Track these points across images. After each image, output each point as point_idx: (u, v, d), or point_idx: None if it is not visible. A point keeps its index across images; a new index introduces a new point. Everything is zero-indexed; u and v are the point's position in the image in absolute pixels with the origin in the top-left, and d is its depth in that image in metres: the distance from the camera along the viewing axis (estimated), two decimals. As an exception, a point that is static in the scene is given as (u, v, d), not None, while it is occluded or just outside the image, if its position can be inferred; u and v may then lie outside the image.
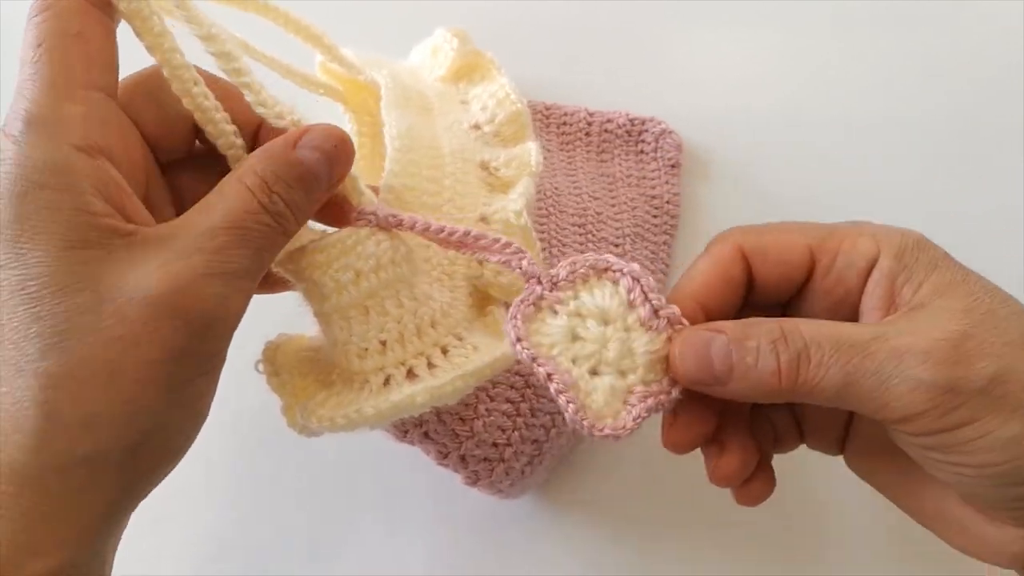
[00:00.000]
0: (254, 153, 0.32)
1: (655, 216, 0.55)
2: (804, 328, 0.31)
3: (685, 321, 0.33)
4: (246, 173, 0.30)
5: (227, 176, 0.31)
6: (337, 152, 0.32)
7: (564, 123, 0.57)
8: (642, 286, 0.33)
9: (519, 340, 0.32)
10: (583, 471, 0.51)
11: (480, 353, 0.34)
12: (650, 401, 0.32)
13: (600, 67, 0.60)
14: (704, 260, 0.34)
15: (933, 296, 0.31)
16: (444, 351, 0.34)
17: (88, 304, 0.27)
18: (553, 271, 0.33)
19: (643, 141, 0.57)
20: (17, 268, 0.27)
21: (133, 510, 0.30)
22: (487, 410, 0.42)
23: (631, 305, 0.33)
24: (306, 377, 0.35)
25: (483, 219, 0.39)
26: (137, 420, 0.27)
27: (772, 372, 0.30)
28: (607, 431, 0.31)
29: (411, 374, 0.33)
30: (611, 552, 0.50)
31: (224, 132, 0.32)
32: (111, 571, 0.30)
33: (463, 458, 0.42)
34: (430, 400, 0.32)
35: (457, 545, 0.49)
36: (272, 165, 0.31)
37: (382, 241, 0.34)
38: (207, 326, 0.28)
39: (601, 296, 0.33)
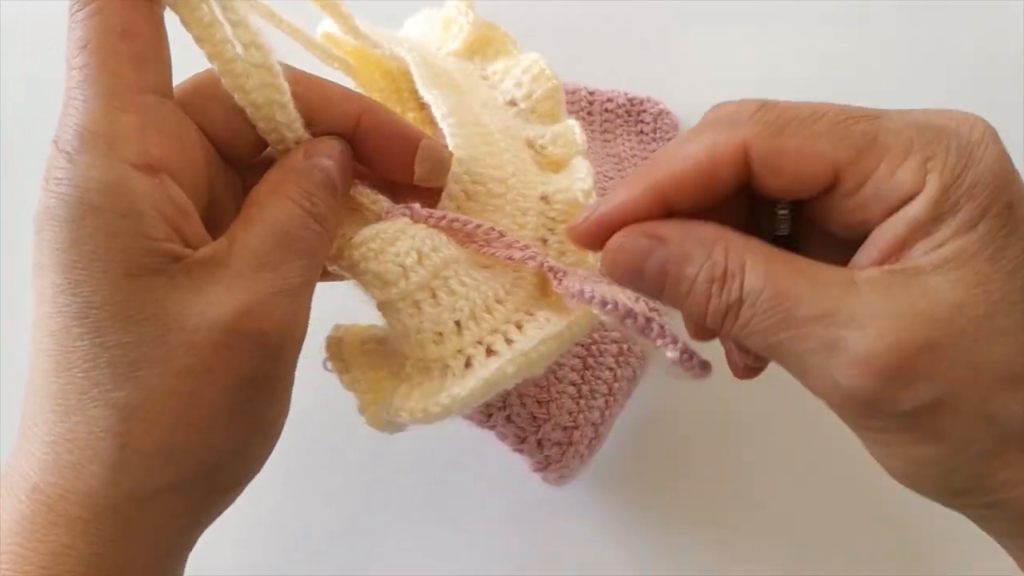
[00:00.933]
0: (271, 169, 0.31)
1: None
2: (748, 276, 0.26)
3: None
4: (279, 184, 0.30)
5: (254, 191, 0.30)
6: (344, 158, 0.32)
7: (568, 102, 0.55)
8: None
9: (592, 294, 0.29)
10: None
11: (555, 323, 0.32)
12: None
13: (602, 67, 0.59)
14: (694, 146, 0.28)
15: (941, 266, 0.25)
16: (518, 326, 0.33)
17: (155, 334, 0.26)
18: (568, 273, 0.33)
19: (642, 121, 0.56)
20: (77, 295, 0.26)
21: (205, 529, 0.30)
22: (558, 392, 0.41)
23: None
24: (379, 370, 0.34)
25: (544, 198, 0.38)
26: (213, 449, 0.27)
27: (700, 312, 0.27)
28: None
29: (490, 352, 0.32)
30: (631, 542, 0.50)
31: (278, 129, 0.31)
32: None
33: (539, 442, 0.41)
34: (521, 370, 0.31)
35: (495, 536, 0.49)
36: (299, 173, 0.30)
37: (420, 227, 0.33)
38: (280, 346, 0.28)
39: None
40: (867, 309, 0.25)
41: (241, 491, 0.30)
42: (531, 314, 0.33)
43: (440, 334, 0.32)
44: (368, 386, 0.33)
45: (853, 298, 0.25)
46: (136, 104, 0.27)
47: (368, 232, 0.32)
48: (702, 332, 0.31)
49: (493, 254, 0.33)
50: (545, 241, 0.37)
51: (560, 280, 0.32)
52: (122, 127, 0.26)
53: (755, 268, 0.26)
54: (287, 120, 0.31)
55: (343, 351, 0.34)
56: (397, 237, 0.32)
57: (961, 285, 0.25)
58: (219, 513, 0.30)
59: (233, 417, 0.27)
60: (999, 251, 0.25)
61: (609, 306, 0.29)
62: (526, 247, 0.33)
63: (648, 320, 0.28)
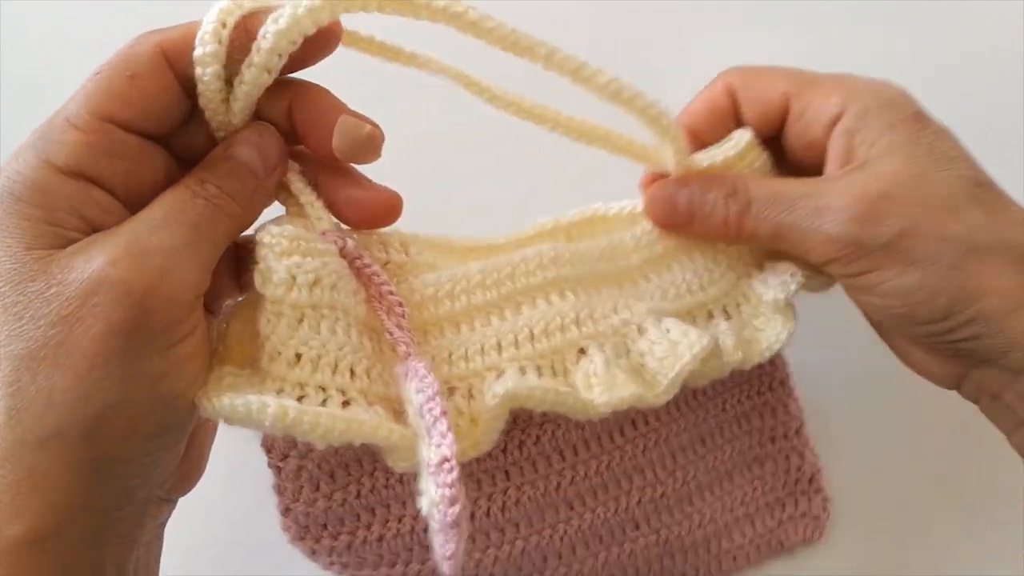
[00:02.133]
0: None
1: None
2: (752, 186, 0.37)
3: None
4: (186, 177, 0.32)
5: None
6: (263, 141, 0.33)
7: None
8: (449, 464, 0.30)
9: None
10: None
11: (373, 419, 0.31)
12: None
13: (608, 71, 0.59)
14: (699, 95, 0.41)
15: (879, 155, 0.35)
16: (345, 402, 0.32)
17: (39, 290, 0.29)
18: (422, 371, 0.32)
19: None
20: None
21: (126, 490, 0.31)
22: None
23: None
24: (249, 344, 0.33)
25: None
26: (92, 396, 0.29)
27: (723, 220, 0.38)
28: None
29: (300, 398, 0.31)
30: None
31: (225, 115, 0.33)
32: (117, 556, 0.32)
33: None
34: (284, 426, 0.30)
35: None
36: (205, 164, 0.33)
37: (341, 262, 0.33)
38: (147, 295, 0.29)
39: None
40: (838, 186, 0.35)
41: (144, 455, 0.30)
42: (367, 402, 0.32)
43: (279, 354, 0.31)
44: (228, 355, 0.33)
45: (827, 184, 0.36)
46: (93, 127, 0.30)
47: (291, 230, 0.32)
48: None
49: (383, 323, 0.34)
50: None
51: (407, 356, 0.32)
52: (68, 139, 0.30)
53: (754, 183, 0.38)
54: (240, 112, 0.32)
55: (244, 310, 0.34)
56: (310, 253, 0.32)
57: (897, 161, 0.35)
58: (126, 474, 0.30)
59: (108, 367, 0.29)
60: (917, 138, 0.35)
61: (424, 387, 0.31)
62: (409, 337, 0.33)
63: (443, 413, 0.30)
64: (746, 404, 0.45)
